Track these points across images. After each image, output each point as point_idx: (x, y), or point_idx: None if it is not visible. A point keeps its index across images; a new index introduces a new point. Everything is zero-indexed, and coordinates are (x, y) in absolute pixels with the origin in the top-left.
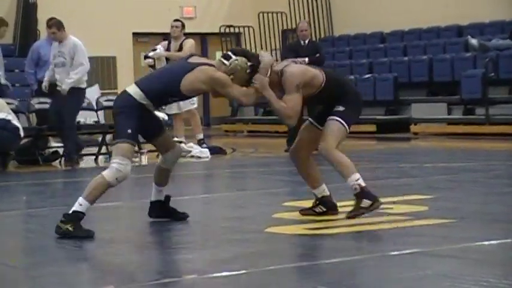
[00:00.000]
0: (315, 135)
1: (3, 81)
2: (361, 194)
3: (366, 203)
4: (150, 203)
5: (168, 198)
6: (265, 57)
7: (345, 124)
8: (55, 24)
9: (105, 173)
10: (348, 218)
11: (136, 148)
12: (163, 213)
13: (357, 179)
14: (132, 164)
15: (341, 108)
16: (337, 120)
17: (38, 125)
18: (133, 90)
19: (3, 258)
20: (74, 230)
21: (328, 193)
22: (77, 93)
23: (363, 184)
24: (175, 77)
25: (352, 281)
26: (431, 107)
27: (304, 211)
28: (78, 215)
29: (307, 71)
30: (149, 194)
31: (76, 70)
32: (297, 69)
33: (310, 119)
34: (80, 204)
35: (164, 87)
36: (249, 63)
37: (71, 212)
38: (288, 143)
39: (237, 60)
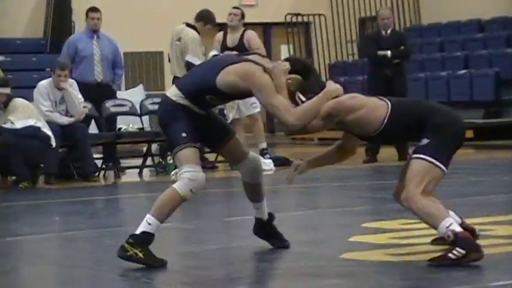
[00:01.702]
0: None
1: None
2: (454, 241)
3: (458, 252)
4: (254, 219)
5: (272, 217)
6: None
7: (433, 160)
8: None
9: (176, 185)
10: (429, 264)
11: None
12: (264, 234)
13: (448, 226)
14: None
15: (425, 141)
16: (420, 158)
17: None
18: (171, 90)
19: None
20: (144, 256)
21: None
22: None
23: (458, 229)
24: (214, 69)
25: None
26: None
27: (435, 241)
28: (148, 237)
29: (361, 101)
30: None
31: None
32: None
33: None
34: (148, 223)
35: (199, 81)
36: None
37: (138, 232)
38: (367, 153)
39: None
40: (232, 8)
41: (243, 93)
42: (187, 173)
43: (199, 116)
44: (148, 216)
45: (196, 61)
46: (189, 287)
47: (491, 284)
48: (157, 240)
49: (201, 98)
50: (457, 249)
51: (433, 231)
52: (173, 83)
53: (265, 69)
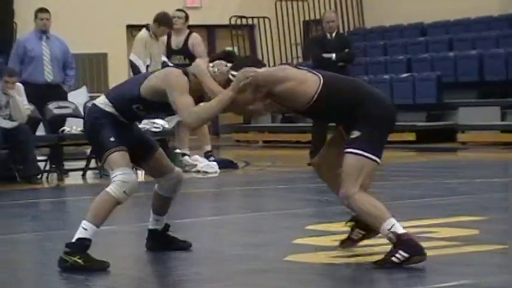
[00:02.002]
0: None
1: None
2: (397, 243)
3: (401, 255)
4: (148, 231)
5: (167, 226)
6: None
7: (367, 154)
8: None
9: (109, 188)
10: (375, 267)
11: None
12: (161, 243)
13: (390, 227)
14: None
15: (356, 134)
16: (353, 152)
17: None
18: (99, 99)
19: None
20: (84, 262)
21: None
22: None
23: (400, 231)
24: (140, 79)
25: None
26: (482, 111)
27: (343, 243)
28: (85, 243)
29: (291, 73)
30: (149, 216)
31: None
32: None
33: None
34: (84, 228)
35: (126, 90)
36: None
37: (74, 239)
38: (312, 155)
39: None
40: (176, 11)
41: (165, 99)
42: (119, 176)
43: (124, 126)
44: (84, 222)
45: (138, 61)
46: None
47: (433, 286)
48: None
49: (128, 108)
50: (400, 252)
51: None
52: None
53: (186, 73)
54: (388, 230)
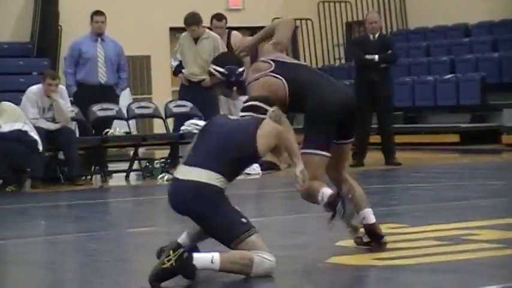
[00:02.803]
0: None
1: None
2: (330, 204)
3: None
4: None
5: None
6: None
7: (315, 151)
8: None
9: (257, 257)
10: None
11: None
12: None
13: (322, 192)
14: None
15: (304, 134)
16: (303, 153)
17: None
18: (199, 174)
19: None
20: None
21: (373, 221)
22: None
23: (329, 193)
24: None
25: None
26: None
27: (357, 238)
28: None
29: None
30: None
31: None
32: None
33: None
34: (211, 261)
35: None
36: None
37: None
38: (354, 157)
39: None
40: (217, 20)
41: None
42: (268, 260)
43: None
44: (215, 255)
45: (172, 62)
46: None
47: None
48: None
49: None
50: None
51: (420, 235)
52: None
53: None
54: (322, 197)
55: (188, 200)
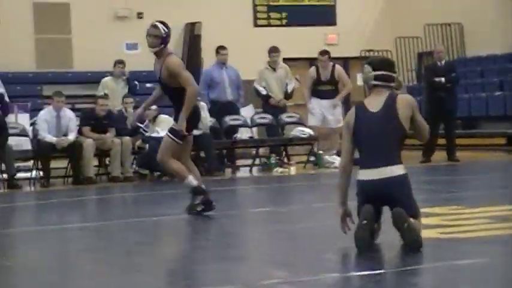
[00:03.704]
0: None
1: (6, 99)
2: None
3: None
4: None
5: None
6: None
7: (172, 137)
8: None
9: None
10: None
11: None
12: None
13: (189, 181)
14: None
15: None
16: (166, 135)
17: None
18: (395, 168)
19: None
20: None
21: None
22: None
23: (194, 183)
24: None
25: (483, 283)
26: None
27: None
28: None
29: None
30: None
31: None
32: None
33: None
34: None
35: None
36: None
37: None
38: (424, 155)
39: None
40: (321, 55)
41: None
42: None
43: None
44: None
45: (258, 87)
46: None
47: None
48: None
49: None
50: (196, 200)
51: (475, 215)
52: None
53: None
54: (188, 182)
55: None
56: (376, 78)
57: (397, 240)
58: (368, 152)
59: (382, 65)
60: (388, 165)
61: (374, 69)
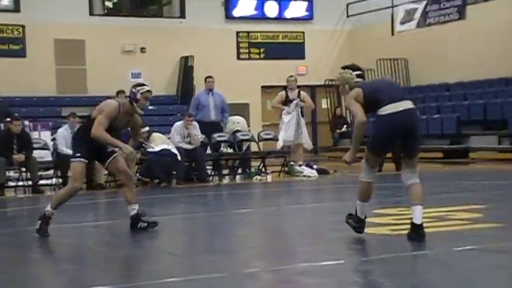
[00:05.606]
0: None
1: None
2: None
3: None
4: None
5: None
6: None
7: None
8: None
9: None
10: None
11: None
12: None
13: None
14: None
15: None
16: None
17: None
18: (409, 102)
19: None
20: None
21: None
22: None
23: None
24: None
25: (425, 270)
26: (486, 139)
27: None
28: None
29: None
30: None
31: None
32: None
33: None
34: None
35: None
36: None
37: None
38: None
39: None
40: (290, 77)
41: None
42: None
43: None
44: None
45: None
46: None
47: (453, 249)
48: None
49: None
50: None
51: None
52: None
53: None
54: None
55: (418, 121)
56: (358, 76)
57: (355, 234)
58: (389, 94)
59: (357, 67)
60: (408, 99)
61: (353, 71)
